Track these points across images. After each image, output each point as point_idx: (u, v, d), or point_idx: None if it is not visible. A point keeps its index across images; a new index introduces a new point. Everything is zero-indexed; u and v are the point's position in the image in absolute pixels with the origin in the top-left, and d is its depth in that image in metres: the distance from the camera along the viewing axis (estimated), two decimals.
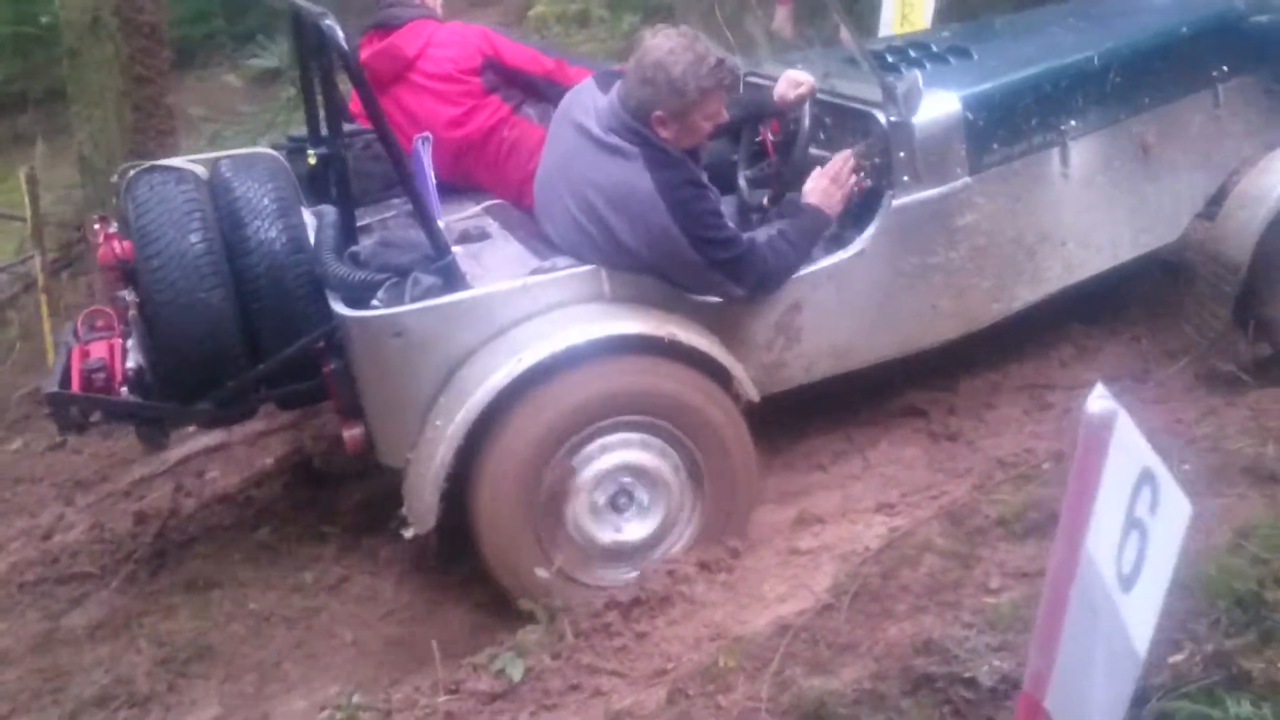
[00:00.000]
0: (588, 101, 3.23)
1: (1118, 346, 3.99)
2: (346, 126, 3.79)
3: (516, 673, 2.78)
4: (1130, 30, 3.77)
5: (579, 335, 2.97)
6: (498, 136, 3.91)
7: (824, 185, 3.35)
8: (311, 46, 3.50)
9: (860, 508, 3.26)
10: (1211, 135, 3.83)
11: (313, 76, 3.67)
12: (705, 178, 3.19)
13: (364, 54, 3.96)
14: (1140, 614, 1.63)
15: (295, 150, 3.76)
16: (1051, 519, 2.70)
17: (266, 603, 3.48)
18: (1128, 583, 1.59)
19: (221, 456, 4.34)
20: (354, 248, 3.19)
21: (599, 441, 3.04)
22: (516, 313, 3.07)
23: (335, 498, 3.92)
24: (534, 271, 3.16)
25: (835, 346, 3.43)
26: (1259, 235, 3.54)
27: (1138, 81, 3.67)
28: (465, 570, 3.36)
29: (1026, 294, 3.63)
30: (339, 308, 3.07)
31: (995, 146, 3.46)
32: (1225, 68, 3.80)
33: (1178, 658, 2.20)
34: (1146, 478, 1.57)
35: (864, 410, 3.80)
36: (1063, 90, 3.54)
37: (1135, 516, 1.57)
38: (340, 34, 2.95)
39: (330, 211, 3.36)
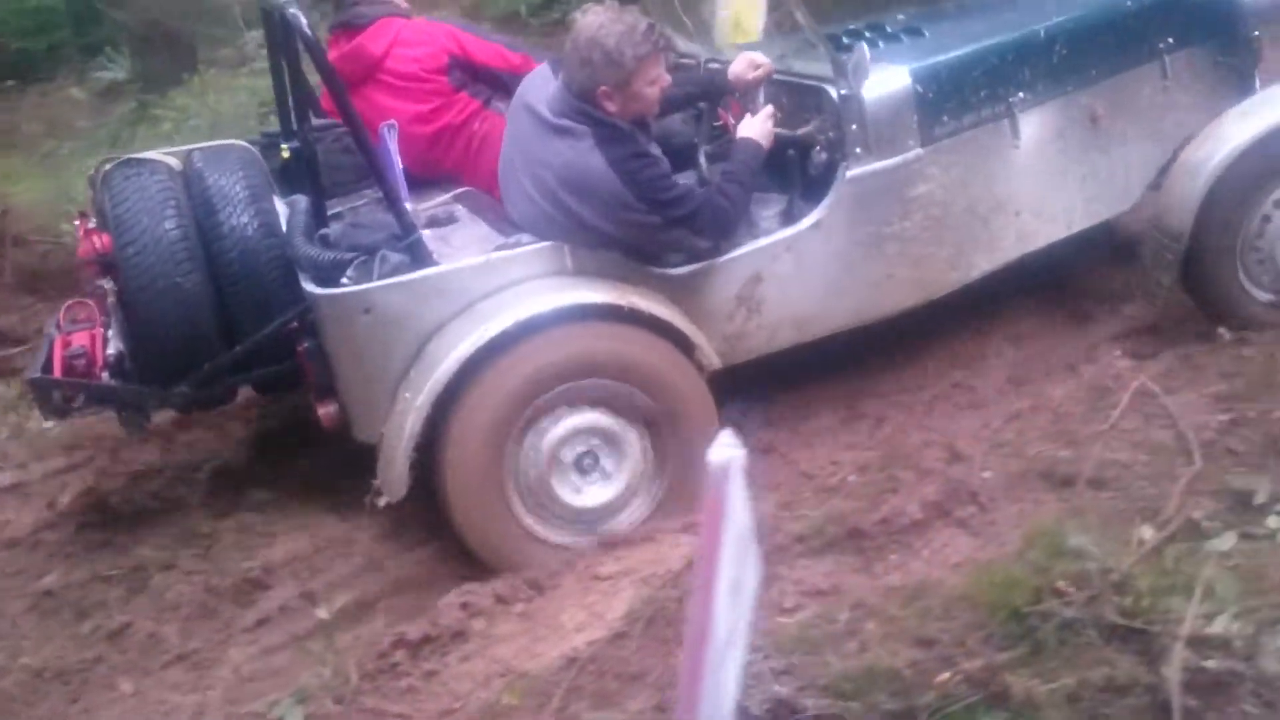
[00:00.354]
0: (540, 88, 3.36)
1: (930, 355, 4.00)
2: (318, 120, 3.92)
3: None
4: (1077, 4, 3.88)
5: (542, 305, 3.08)
6: (468, 131, 4.02)
7: (762, 126, 3.47)
8: (278, 40, 3.63)
9: (667, 527, 3.18)
10: (1160, 107, 3.93)
11: (283, 73, 3.79)
12: (654, 148, 3.31)
13: (331, 54, 4.07)
14: (732, 674, 1.55)
15: (268, 146, 3.88)
16: (851, 534, 2.76)
17: (43, 656, 3.26)
18: (729, 641, 1.50)
19: (17, 496, 4.09)
20: (324, 230, 3.30)
21: (563, 405, 3.15)
22: (482, 287, 3.18)
23: (129, 538, 3.71)
24: (498, 248, 3.27)
25: (796, 316, 3.53)
26: (1199, 203, 3.60)
27: (1085, 54, 3.77)
28: (256, 613, 3.31)
29: (984, 263, 3.73)
30: (310, 287, 3.17)
31: (945, 119, 3.56)
32: (1171, 40, 3.89)
33: (944, 676, 2.18)
34: (746, 534, 1.51)
35: None
36: (1010, 63, 3.65)
37: (738, 573, 1.51)
38: (304, 22, 3.07)
39: (302, 200, 3.48)
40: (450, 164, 4.06)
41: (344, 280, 3.14)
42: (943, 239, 3.63)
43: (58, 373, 3.29)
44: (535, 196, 3.25)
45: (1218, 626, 2.18)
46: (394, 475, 3.08)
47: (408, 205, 3.38)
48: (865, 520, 2.81)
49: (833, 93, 3.47)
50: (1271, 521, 2.56)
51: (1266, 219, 3.67)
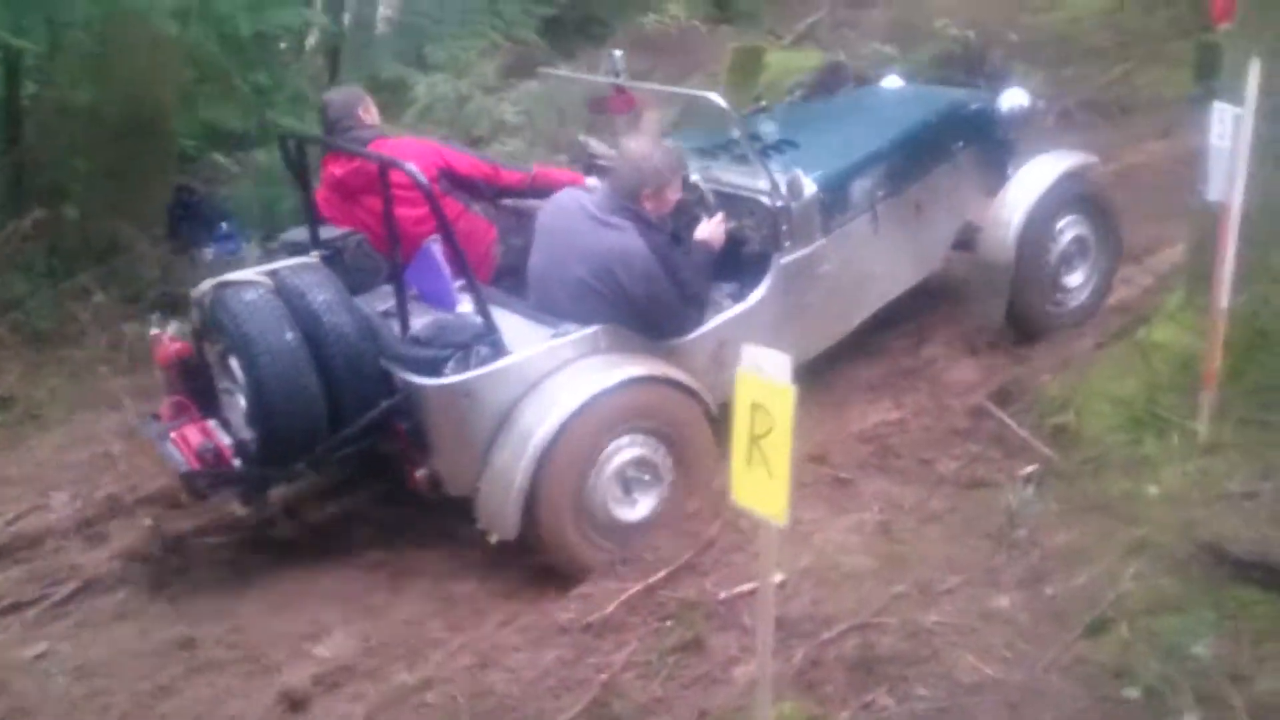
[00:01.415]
0: (581, 199, 4.43)
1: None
2: (336, 230, 4.68)
3: None
4: (903, 121, 5.28)
5: (606, 380, 4.07)
6: (454, 230, 4.86)
7: (714, 230, 4.62)
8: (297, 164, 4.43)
9: None
10: (955, 193, 5.39)
11: (310, 191, 4.54)
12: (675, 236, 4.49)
13: (338, 171, 4.83)
14: None
15: (297, 253, 4.56)
16: None
17: None
18: None
19: None
20: (413, 331, 4.13)
21: (616, 444, 4.13)
22: (545, 368, 4.12)
23: None
24: (553, 337, 4.22)
25: None
26: (1017, 240, 5.08)
27: (914, 159, 5.18)
28: None
29: (857, 317, 5.08)
30: (416, 379, 4.00)
31: (836, 215, 4.86)
32: (962, 143, 5.38)
33: None
34: None
35: None
36: (875, 170, 5.00)
37: None
38: (417, 169, 3.91)
39: (364, 305, 4.27)
40: None
41: (446, 371, 3.99)
42: (834, 302, 4.93)
43: (194, 465, 3.92)
44: (590, 280, 4.26)
45: None
46: (508, 519, 3.96)
47: (462, 307, 4.28)
48: None
49: (767, 201, 4.67)
50: None
51: (1048, 253, 5.20)
